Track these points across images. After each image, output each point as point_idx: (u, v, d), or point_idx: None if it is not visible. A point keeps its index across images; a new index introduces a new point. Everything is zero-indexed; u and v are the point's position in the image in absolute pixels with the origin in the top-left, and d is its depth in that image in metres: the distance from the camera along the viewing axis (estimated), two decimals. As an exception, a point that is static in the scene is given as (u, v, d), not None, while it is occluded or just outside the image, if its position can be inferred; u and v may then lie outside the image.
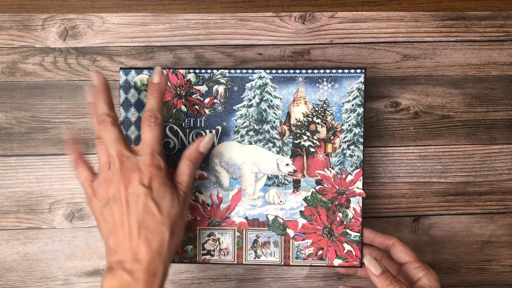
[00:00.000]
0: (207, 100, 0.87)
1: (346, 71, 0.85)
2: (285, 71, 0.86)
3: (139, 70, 0.88)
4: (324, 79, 0.86)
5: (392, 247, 0.87)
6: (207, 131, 0.88)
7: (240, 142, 0.88)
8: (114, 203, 0.77)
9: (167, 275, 0.78)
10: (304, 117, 0.87)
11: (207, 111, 0.87)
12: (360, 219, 0.87)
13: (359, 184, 0.87)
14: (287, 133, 0.87)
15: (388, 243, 0.87)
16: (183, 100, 0.88)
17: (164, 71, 0.86)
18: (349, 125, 0.86)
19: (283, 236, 0.88)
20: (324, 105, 0.86)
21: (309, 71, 0.86)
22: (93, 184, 0.80)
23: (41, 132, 0.97)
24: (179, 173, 0.82)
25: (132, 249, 0.75)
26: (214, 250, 0.89)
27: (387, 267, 0.86)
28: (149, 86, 0.82)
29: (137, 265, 0.74)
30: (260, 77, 0.86)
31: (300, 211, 0.88)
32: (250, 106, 0.87)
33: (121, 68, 0.88)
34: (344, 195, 0.87)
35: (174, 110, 0.88)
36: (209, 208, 0.89)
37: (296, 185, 0.88)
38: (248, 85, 0.87)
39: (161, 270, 0.76)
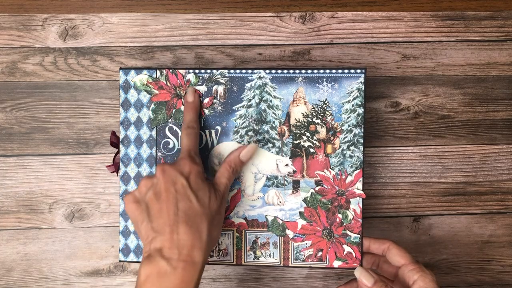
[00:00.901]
0: (206, 100, 0.85)
1: (346, 71, 0.83)
2: (285, 71, 0.84)
3: (138, 70, 0.86)
4: (324, 79, 0.83)
5: (387, 251, 0.84)
6: (207, 131, 0.86)
7: (239, 143, 0.85)
8: (153, 191, 0.76)
9: (204, 266, 0.75)
10: (303, 117, 0.84)
11: (206, 111, 0.85)
12: (360, 220, 0.84)
13: (359, 185, 0.84)
14: (287, 133, 0.85)
15: (383, 247, 0.85)
16: (182, 100, 0.85)
17: (164, 71, 0.85)
18: (349, 126, 0.84)
19: (282, 237, 0.86)
20: (324, 106, 0.84)
21: (309, 71, 0.84)
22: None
23: (41, 132, 0.95)
24: (218, 176, 0.81)
25: (172, 235, 0.73)
26: (213, 251, 0.87)
27: (385, 272, 0.86)
28: (185, 104, 0.85)
29: (176, 251, 0.72)
30: (260, 77, 0.84)
31: (300, 212, 0.85)
32: (250, 106, 0.85)
33: (120, 68, 0.86)
34: (344, 196, 0.84)
35: (174, 110, 0.86)
36: None
37: (296, 185, 0.85)
38: (248, 85, 0.85)
39: (200, 260, 0.73)
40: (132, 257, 0.87)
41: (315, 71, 0.84)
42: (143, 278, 0.72)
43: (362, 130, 0.84)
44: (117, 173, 0.89)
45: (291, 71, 0.84)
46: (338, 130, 0.84)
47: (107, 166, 0.90)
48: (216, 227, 0.78)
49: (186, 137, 0.81)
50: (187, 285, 0.71)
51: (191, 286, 0.72)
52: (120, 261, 0.87)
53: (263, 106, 0.85)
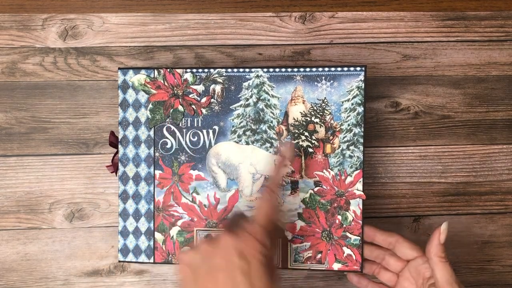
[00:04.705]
0: (204, 99, 0.80)
1: (345, 69, 0.77)
2: (283, 69, 0.79)
3: (136, 70, 0.81)
4: (323, 78, 0.77)
5: (396, 244, 0.79)
6: (204, 131, 0.80)
7: (237, 142, 0.80)
8: (209, 264, 0.67)
9: None
10: (302, 116, 0.78)
11: (204, 110, 0.80)
12: (360, 222, 0.78)
13: (359, 186, 0.78)
14: (285, 133, 0.79)
15: (390, 240, 0.80)
16: (180, 99, 0.80)
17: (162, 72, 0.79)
18: (348, 125, 0.78)
19: (281, 239, 0.79)
20: (323, 104, 0.78)
21: (307, 69, 0.78)
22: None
23: (41, 132, 0.90)
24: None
25: None
26: None
27: (392, 266, 0.81)
28: (278, 159, 0.77)
29: None
30: (257, 76, 0.79)
31: (298, 213, 0.79)
32: (247, 105, 0.79)
33: (119, 68, 0.81)
34: (344, 197, 0.78)
35: (171, 110, 0.81)
36: (206, 209, 0.81)
37: (294, 186, 0.79)
38: (245, 84, 0.79)
39: None
40: (131, 257, 0.82)
41: (314, 69, 0.78)
42: None
43: (362, 130, 0.78)
44: (116, 173, 0.84)
45: (289, 69, 0.78)
46: (337, 129, 0.78)
47: (106, 166, 0.85)
48: None
49: (266, 203, 0.71)
50: None
51: None
52: (119, 261, 0.83)
53: (261, 105, 0.79)
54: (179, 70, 0.79)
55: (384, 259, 0.81)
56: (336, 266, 0.78)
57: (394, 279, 0.80)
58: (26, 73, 0.89)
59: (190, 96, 0.79)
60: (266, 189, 0.72)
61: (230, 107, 0.79)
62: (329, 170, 0.78)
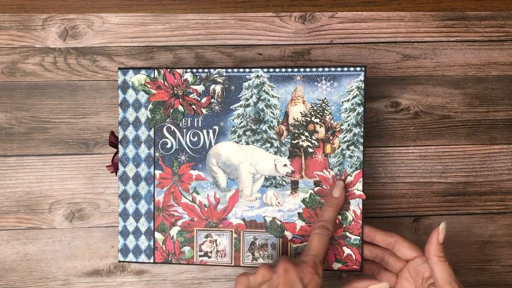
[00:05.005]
0: (204, 99, 0.79)
1: (345, 69, 0.77)
2: (283, 69, 0.78)
3: (136, 70, 0.81)
4: (323, 78, 0.77)
5: (396, 244, 0.79)
6: (204, 131, 0.80)
7: (237, 142, 0.79)
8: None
9: None
10: (302, 116, 0.78)
11: (204, 110, 0.79)
12: (360, 222, 0.78)
13: (359, 185, 0.78)
14: (285, 133, 0.79)
15: (390, 240, 0.79)
16: (180, 99, 0.80)
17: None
18: (348, 125, 0.77)
19: (281, 239, 0.79)
20: (323, 104, 0.77)
21: (307, 69, 0.78)
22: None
23: (41, 132, 0.90)
24: None
25: None
26: (211, 252, 0.81)
27: (391, 266, 0.81)
28: (328, 198, 0.77)
29: None
30: (258, 76, 0.78)
31: (298, 213, 0.79)
32: (247, 105, 0.79)
33: (119, 68, 0.81)
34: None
35: (171, 110, 0.80)
36: (206, 209, 0.81)
37: (294, 186, 0.79)
38: (245, 84, 0.79)
39: None
40: (131, 257, 0.82)
41: (314, 69, 0.78)
42: None
43: (362, 130, 0.77)
44: (116, 173, 0.83)
45: (289, 69, 0.78)
46: (337, 129, 0.77)
47: (107, 166, 0.85)
48: None
49: (318, 237, 0.74)
50: None
51: None
52: (119, 261, 0.82)
53: (261, 105, 0.79)
54: (179, 70, 0.79)
55: (384, 259, 0.81)
56: (336, 266, 0.78)
57: (393, 279, 0.80)
58: (26, 73, 0.89)
59: (190, 96, 0.79)
60: (319, 225, 0.74)
61: (230, 107, 0.79)
62: (329, 170, 0.77)
